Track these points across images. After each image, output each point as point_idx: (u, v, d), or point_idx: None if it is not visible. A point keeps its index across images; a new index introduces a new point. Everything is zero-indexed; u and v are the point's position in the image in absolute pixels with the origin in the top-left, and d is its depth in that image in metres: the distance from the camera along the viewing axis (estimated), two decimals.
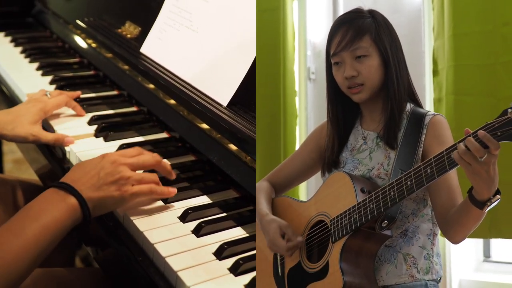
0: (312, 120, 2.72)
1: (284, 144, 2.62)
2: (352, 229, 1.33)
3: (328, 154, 1.49)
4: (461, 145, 1.18)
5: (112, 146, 1.62)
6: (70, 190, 1.23)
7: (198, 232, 1.29)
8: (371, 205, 1.31)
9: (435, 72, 2.30)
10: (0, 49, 2.31)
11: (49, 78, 2.04)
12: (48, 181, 1.71)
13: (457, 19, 2.18)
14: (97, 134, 1.68)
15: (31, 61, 2.20)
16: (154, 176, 1.36)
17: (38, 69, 2.12)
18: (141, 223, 1.31)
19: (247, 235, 1.31)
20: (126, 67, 1.88)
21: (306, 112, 2.72)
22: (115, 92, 1.97)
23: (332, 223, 1.38)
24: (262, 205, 1.48)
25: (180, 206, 1.38)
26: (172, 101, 1.67)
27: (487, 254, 2.52)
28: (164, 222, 1.33)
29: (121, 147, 1.60)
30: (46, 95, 1.72)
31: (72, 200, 1.23)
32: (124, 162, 1.31)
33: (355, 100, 1.43)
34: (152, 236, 1.27)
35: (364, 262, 1.34)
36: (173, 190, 1.37)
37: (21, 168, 3.49)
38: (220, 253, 1.23)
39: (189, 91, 1.64)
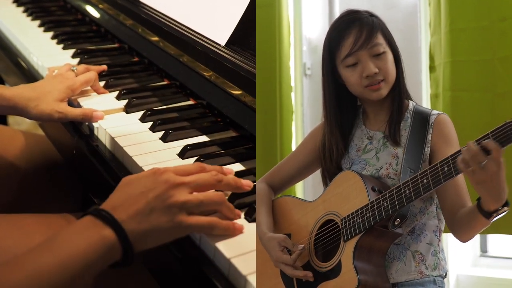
0: (308, 116, 2.71)
1: (280, 140, 2.62)
2: (365, 227, 1.33)
3: (327, 165, 1.47)
4: (465, 151, 1.18)
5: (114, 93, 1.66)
6: (109, 219, 1.02)
7: None
8: (385, 204, 1.31)
9: (431, 68, 2.30)
10: (2, 10, 2.37)
11: (50, 33, 2.10)
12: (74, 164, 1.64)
13: (453, 14, 2.18)
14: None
15: (33, 19, 2.26)
16: (218, 197, 1.12)
17: (40, 26, 2.19)
18: (140, 159, 1.33)
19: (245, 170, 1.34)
20: (129, 21, 1.93)
21: (302, 107, 2.72)
22: (115, 45, 2.03)
23: (343, 222, 1.37)
24: (262, 219, 1.46)
25: (179, 145, 1.40)
26: (172, 50, 1.69)
27: (484, 249, 2.54)
28: (162, 159, 1.34)
29: (121, 92, 1.62)
30: (73, 70, 1.63)
31: (108, 232, 1.01)
32: (179, 181, 1.08)
33: (374, 98, 1.40)
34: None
35: (375, 260, 1.35)
36: (239, 226, 1.13)
37: None
38: None
39: (188, 33, 1.66)
